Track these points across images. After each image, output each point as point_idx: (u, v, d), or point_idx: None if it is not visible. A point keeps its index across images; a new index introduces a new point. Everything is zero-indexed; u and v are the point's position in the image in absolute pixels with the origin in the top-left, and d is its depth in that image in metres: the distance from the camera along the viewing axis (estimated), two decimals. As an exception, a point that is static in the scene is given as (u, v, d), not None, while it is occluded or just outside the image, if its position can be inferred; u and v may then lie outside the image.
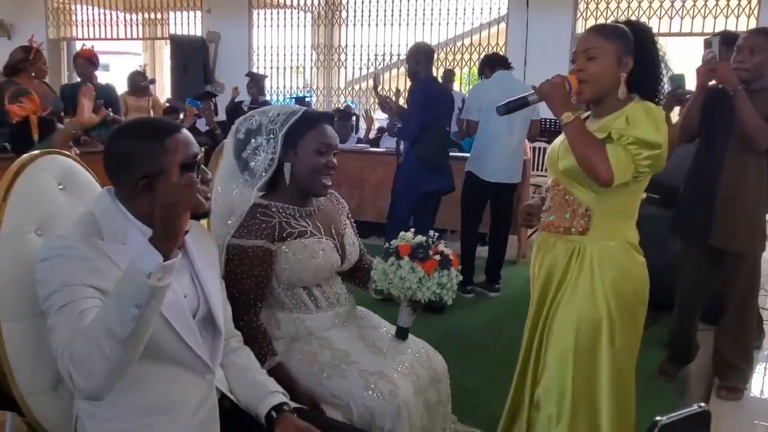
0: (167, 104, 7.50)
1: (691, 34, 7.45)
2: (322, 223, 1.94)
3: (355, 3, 8.60)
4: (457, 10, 8.20)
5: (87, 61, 5.27)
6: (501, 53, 6.60)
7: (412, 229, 1.92)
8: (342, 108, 5.44)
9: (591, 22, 7.76)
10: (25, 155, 1.49)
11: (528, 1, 7.67)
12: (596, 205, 1.84)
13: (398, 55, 8.70)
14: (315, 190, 1.90)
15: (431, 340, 2.15)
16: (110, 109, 5.15)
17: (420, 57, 4.23)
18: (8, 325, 1.39)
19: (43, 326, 1.40)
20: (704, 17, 7.41)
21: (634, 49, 1.81)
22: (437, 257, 1.83)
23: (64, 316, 1.25)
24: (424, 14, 8.33)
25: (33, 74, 4.54)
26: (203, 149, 5.08)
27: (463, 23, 8.31)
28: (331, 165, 1.88)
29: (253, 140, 1.86)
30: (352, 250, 2.01)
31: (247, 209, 1.84)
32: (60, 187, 1.54)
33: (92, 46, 5.52)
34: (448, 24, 8.30)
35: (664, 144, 1.75)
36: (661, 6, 7.53)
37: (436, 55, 8.41)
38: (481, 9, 8.14)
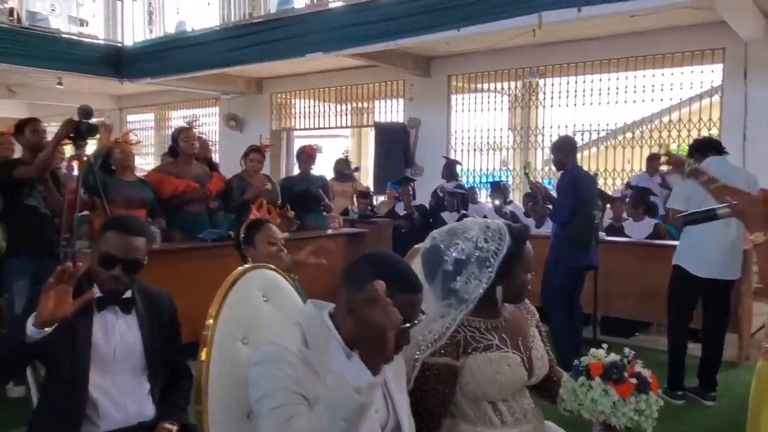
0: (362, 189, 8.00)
1: None
2: (508, 335, 1.89)
3: (552, 85, 8.56)
4: (662, 85, 7.77)
5: (308, 158, 5.89)
6: (713, 135, 6.09)
7: (605, 345, 1.79)
8: (532, 190, 5.49)
9: (826, 91, 6.89)
10: (238, 269, 1.67)
11: (746, 71, 7.06)
12: None
13: (597, 131, 8.45)
14: (518, 300, 1.96)
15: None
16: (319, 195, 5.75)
17: (566, 149, 4.76)
18: (214, 427, 1.53)
19: (243, 426, 1.52)
20: None
21: None
22: (633, 380, 1.68)
23: (274, 419, 1.37)
24: (626, 91, 8.03)
25: (243, 168, 5.21)
26: (402, 231, 5.26)
27: (670, 99, 7.83)
28: (531, 279, 1.93)
29: (464, 270, 1.82)
30: (540, 364, 1.93)
31: (448, 332, 1.80)
32: (264, 299, 1.69)
33: (315, 145, 6.19)
34: (652, 100, 7.89)
35: None
36: None
37: (639, 133, 8.11)
38: (690, 83, 7.60)
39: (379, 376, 1.28)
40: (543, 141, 8.74)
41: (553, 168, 9.17)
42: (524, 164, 6.39)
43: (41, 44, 9.19)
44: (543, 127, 8.76)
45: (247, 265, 1.71)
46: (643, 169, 7.43)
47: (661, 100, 7.85)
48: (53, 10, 9.92)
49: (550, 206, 4.99)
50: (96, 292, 2.00)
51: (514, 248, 1.84)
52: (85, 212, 4.43)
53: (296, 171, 6.33)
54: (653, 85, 7.85)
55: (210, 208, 5.10)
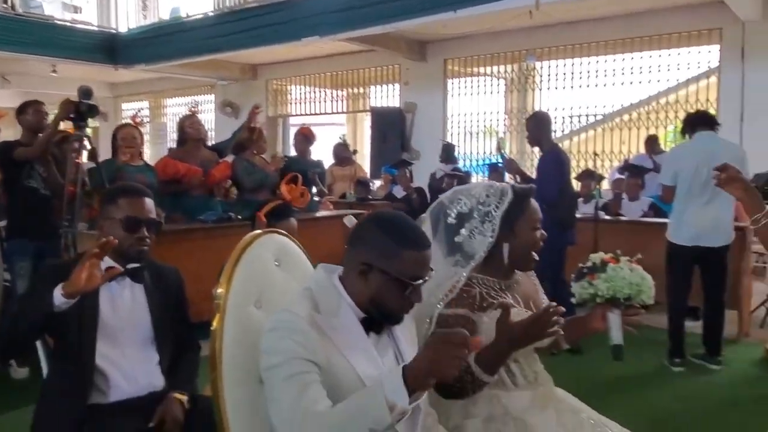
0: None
1: None
2: (521, 296, 1.92)
3: (549, 68, 8.55)
4: (660, 66, 7.77)
5: (304, 138, 5.84)
6: (709, 111, 6.07)
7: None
8: (505, 166, 5.49)
9: (823, 71, 6.91)
10: (249, 234, 1.67)
11: (743, 52, 7.06)
12: None
13: (594, 116, 8.45)
14: (528, 265, 1.93)
15: (637, 424, 2.00)
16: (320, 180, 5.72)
17: (543, 125, 4.65)
18: (229, 393, 1.53)
19: (257, 392, 1.52)
20: None
21: None
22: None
23: (288, 389, 1.36)
24: (623, 73, 8.02)
25: (255, 152, 5.13)
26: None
27: (667, 80, 7.83)
28: (544, 238, 1.91)
29: (467, 224, 1.86)
30: (551, 326, 1.94)
31: (459, 286, 1.81)
32: (276, 263, 1.68)
33: (308, 126, 6.11)
34: (649, 81, 7.89)
35: None
36: None
37: (636, 114, 8.11)
38: (688, 64, 7.61)
39: (414, 403, 1.29)
40: (540, 124, 8.73)
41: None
42: (498, 140, 6.38)
43: (35, 31, 9.12)
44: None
45: (257, 231, 1.70)
46: (641, 150, 7.45)
47: (659, 81, 7.87)
48: (46, -4, 9.84)
49: (519, 180, 4.88)
50: (118, 267, 2.01)
51: (518, 203, 1.85)
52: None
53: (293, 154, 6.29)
54: (650, 67, 7.86)
55: (211, 192, 5.04)
